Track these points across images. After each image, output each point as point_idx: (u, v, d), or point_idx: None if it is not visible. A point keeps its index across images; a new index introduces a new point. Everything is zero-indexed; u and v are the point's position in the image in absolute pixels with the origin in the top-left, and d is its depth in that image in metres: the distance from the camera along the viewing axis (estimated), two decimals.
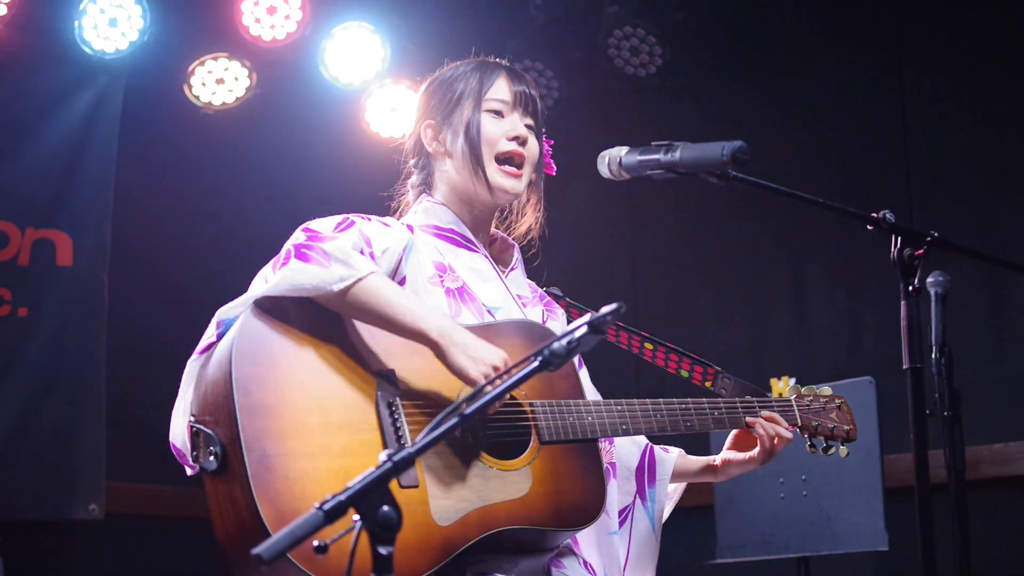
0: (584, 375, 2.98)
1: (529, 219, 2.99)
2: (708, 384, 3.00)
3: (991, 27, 5.38)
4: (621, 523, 2.92)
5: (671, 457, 3.03)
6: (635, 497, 2.97)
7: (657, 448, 3.04)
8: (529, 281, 3.01)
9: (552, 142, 3.01)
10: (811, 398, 3.05)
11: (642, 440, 3.02)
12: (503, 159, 2.84)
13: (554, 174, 3.02)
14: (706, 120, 5.92)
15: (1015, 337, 5.16)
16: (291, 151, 6.04)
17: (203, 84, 5.60)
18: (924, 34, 5.54)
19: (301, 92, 5.80)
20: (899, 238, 2.52)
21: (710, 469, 3.03)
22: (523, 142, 2.85)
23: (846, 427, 3.04)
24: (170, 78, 5.59)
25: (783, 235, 5.79)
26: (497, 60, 2.96)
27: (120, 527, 5.44)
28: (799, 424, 2.99)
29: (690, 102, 6.03)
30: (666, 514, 3.03)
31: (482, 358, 2.48)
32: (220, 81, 5.61)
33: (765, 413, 2.91)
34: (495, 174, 2.83)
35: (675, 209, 6.01)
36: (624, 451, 2.98)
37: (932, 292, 3.38)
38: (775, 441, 2.89)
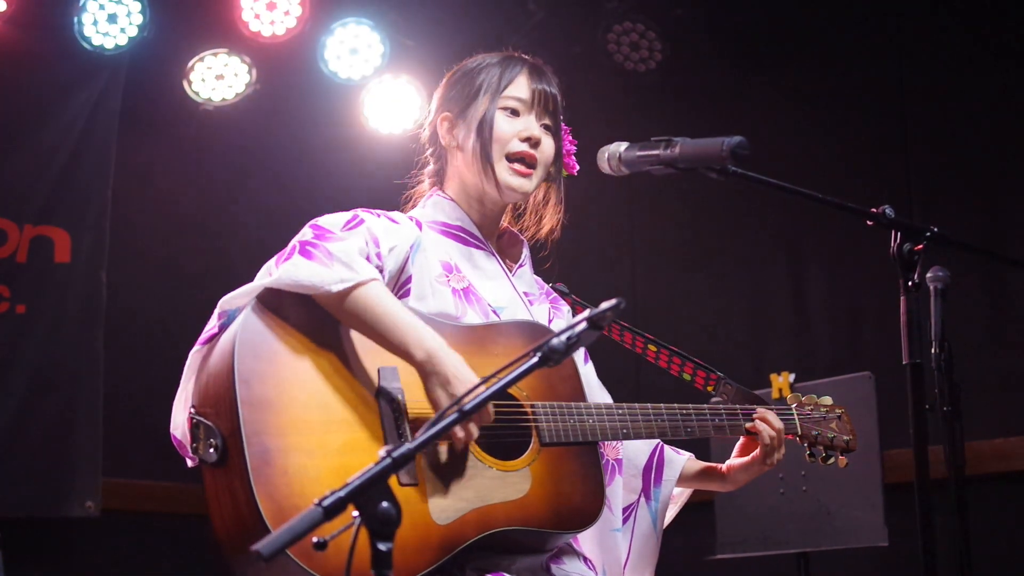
0: (590, 371, 2.97)
1: (550, 221, 2.96)
2: (710, 389, 3.00)
3: (991, 24, 5.38)
4: (624, 520, 2.91)
5: (681, 459, 3.02)
6: (640, 495, 2.96)
7: (668, 449, 3.03)
8: (537, 278, 3.00)
9: (576, 142, 2.99)
10: (811, 407, 3.05)
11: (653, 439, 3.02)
12: (514, 158, 2.81)
13: (576, 174, 2.99)
14: (706, 116, 5.91)
15: (1015, 332, 5.16)
16: (290, 147, 6.04)
17: (203, 80, 5.60)
18: (924, 29, 5.54)
19: (300, 88, 5.79)
20: (899, 233, 2.52)
21: (718, 475, 3.01)
22: (536, 144, 2.82)
23: (846, 437, 3.05)
24: (170, 74, 5.59)
25: (783, 230, 5.79)
26: (521, 55, 2.92)
27: (116, 524, 5.44)
28: (799, 433, 2.99)
29: (690, 98, 6.03)
30: (669, 518, 3.01)
31: (456, 396, 2.43)
32: (220, 77, 5.61)
33: (759, 411, 2.90)
34: (504, 172, 2.80)
35: (674, 204, 6.01)
36: (633, 449, 2.97)
37: (932, 287, 3.37)
38: (774, 440, 2.89)
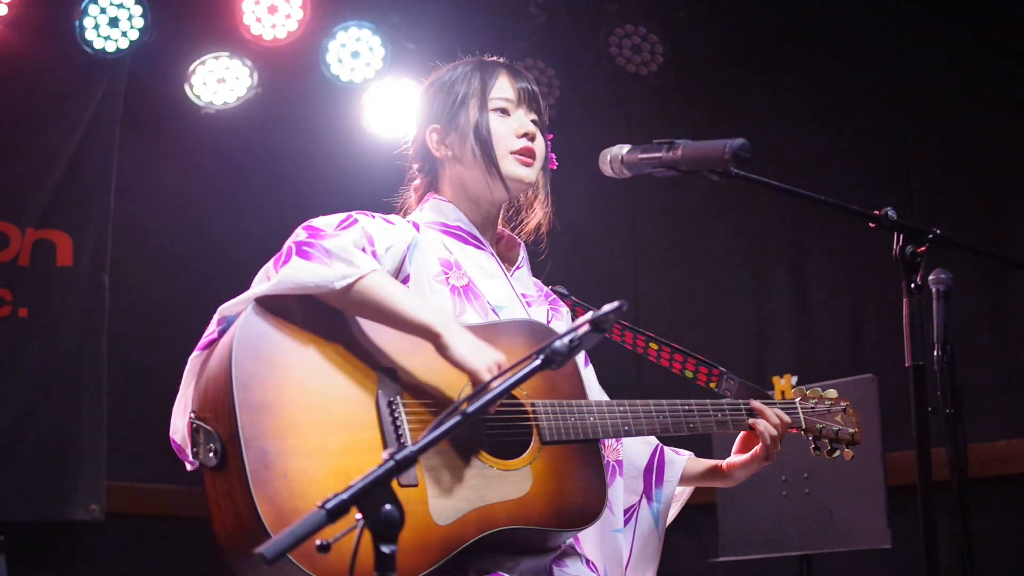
0: (590, 374, 2.97)
1: (538, 214, 2.98)
2: (713, 385, 2.99)
3: (993, 24, 5.38)
4: (626, 522, 2.91)
5: (681, 460, 3.02)
6: (641, 496, 2.96)
7: (668, 449, 3.03)
8: (535, 280, 3.01)
9: (552, 135, 3.01)
10: (816, 400, 3.04)
11: (653, 439, 3.01)
12: (515, 153, 2.84)
13: (556, 167, 3.01)
14: (708, 118, 5.92)
15: (1017, 334, 5.16)
16: (292, 151, 6.04)
17: (204, 84, 5.60)
18: (926, 30, 5.54)
19: (302, 92, 5.80)
20: (901, 235, 2.52)
21: (718, 473, 3.01)
22: (532, 138, 2.85)
23: (851, 430, 3.04)
24: (171, 78, 5.59)
25: (785, 232, 5.79)
26: (495, 58, 2.95)
27: (121, 527, 5.44)
28: (803, 427, 2.98)
29: (692, 100, 6.03)
30: (671, 516, 3.01)
31: (482, 348, 2.48)
32: (221, 80, 5.61)
33: (756, 404, 2.90)
34: (510, 165, 2.82)
35: (676, 207, 6.01)
36: (633, 450, 2.98)
37: (934, 289, 3.38)
38: (776, 440, 2.88)
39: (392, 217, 2.77)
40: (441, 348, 2.49)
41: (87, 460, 5.19)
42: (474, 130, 2.83)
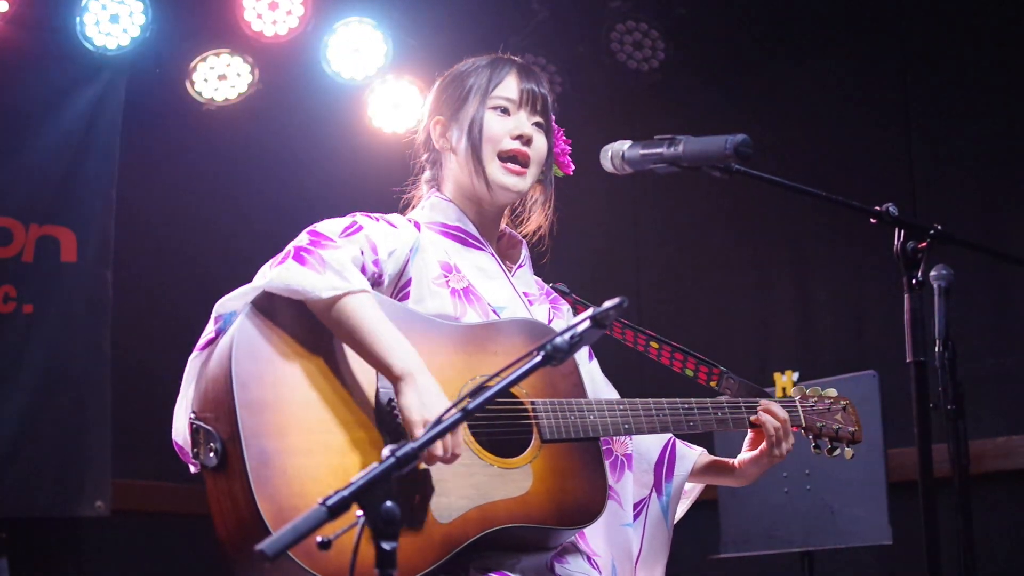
0: (595, 367, 2.97)
1: (537, 219, 2.97)
2: (713, 384, 2.99)
3: (994, 21, 5.38)
4: (636, 516, 2.91)
5: (692, 455, 3.01)
6: (651, 490, 2.95)
7: (680, 444, 3.02)
8: (536, 278, 3.00)
9: (570, 141, 3.00)
10: (815, 399, 3.04)
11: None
12: (506, 157, 2.82)
13: (572, 173, 3.00)
14: (709, 114, 5.91)
15: (1018, 331, 5.15)
16: (293, 147, 6.04)
17: (205, 80, 5.60)
18: (927, 27, 5.54)
19: (303, 88, 5.79)
20: (902, 231, 2.52)
21: (729, 470, 3.00)
22: (528, 141, 2.83)
23: (851, 429, 3.04)
24: (172, 74, 5.59)
25: (786, 229, 5.79)
26: (510, 57, 2.94)
27: (126, 524, 5.44)
28: (803, 425, 2.98)
29: (693, 97, 6.03)
30: (681, 513, 3.00)
31: (432, 405, 2.41)
32: (222, 77, 5.61)
33: (763, 403, 2.90)
34: (496, 171, 2.81)
35: (678, 203, 6.01)
36: (644, 444, 2.97)
37: (935, 286, 3.37)
38: (779, 431, 2.88)
39: (394, 218, 2.76)
40: (396, 393, 2.44)
41: (93, 456, 5.19)
42: (469, 125, 2.82)
